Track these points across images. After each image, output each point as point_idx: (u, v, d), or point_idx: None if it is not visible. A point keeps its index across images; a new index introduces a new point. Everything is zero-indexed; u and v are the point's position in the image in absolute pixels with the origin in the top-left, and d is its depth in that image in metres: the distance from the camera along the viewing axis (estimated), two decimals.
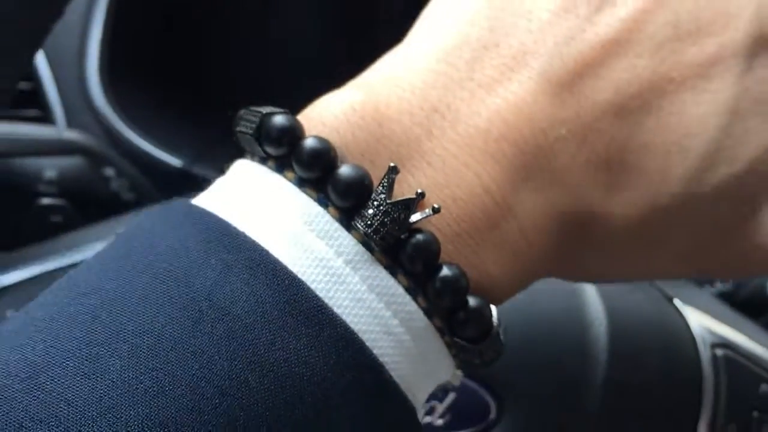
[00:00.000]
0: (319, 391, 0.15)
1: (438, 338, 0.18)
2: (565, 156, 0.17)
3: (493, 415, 0.27)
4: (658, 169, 0.18)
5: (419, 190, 0.17)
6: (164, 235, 0.17)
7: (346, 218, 0.17)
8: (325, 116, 0.18)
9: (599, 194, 0.18)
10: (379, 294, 0.17)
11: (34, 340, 0.15)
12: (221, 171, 0.55)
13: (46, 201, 0.39)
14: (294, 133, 0.17)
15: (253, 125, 0.17)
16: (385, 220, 0.16)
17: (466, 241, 0.17)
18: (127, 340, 0.15)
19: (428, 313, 0.17)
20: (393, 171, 0.17)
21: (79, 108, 0.49)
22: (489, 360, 0.18)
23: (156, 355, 0.14)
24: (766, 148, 0.18)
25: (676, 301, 0.31)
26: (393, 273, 0.17)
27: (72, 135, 0.41)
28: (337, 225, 0.17)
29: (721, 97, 0.17)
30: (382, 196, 0.17)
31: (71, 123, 0.50)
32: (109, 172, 0.42)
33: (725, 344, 0.30)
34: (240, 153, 0.19)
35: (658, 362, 0.29)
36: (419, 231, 0.17)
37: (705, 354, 0.29)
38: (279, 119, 0.17)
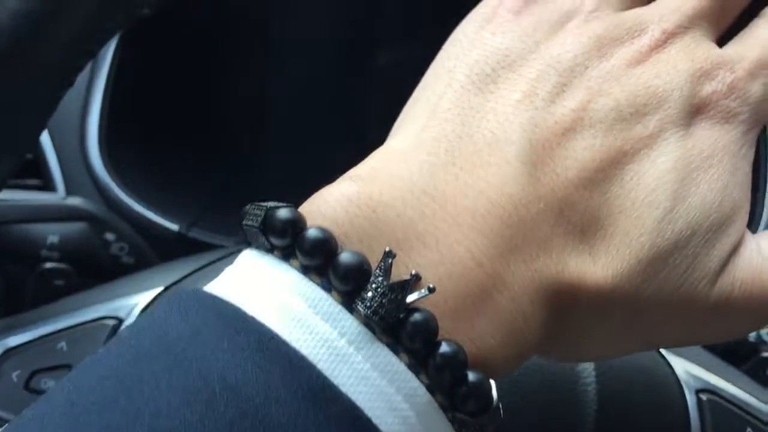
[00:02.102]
0: None
1: (440, 414, 0.18)
2: (545, 227, 0.19)
3: None
4: (632, 225, 0.19)
5: (413, 272, 0.18)
6: (178, 321, 0.18)
7: (348, 301, 0.18)
8: (324, 209, 0.19)
9: (583, 261, 0.19)
10: (383, 371, 0.17)
11: (56, 425, 0.16)
12: (216, 233, 0.55)
13: (49, 265, 0.40)
14: (297, 225, 0.18)
15: (259, 218, 0.19)
16: (384, 301, 0.17)
17: (462, 316, 0.18)
18: (145, 423, 0.15)
19: (430, 389, 0.18)
20: (389, 255, 0.18)
21: (79, 176, 0.50)
22: None
23: None
24: (717, 189, 0.20)
25: (663, 351, 0.32)
26: (395, 351, 0.18)
27: (74, 201, 0.43)
28: (339, 308, 0.18)
29: (671, 157, 0.20)
30: (380, 279, 0.18)
31: (71, 191, 0.51)
32: (110, 236, 0.43)
33: (710, 390, 0.31)
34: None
35: (646, 408, 0.29)
36: (417, 310, 0.18)
37: (691, 399, 0.30)
38: (283, 212, 0.19)
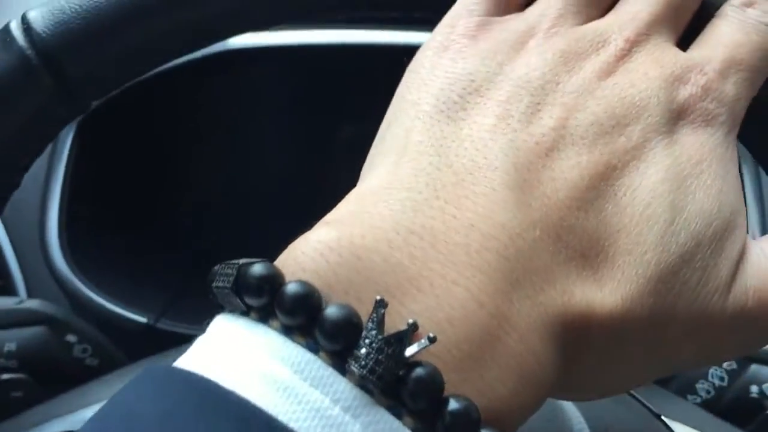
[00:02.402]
0: None
1: None
2: (545, 255, 0.18)
3: None
4: (634, 243, 0.18)
5: (410, 320, 0.16)
6: (147, 402, 0.16)
7: (339, 362, 0.16)
8: (303, 260, 0.17)
9: (589, 289, 0.18)
10: None
11: None
12: (187, 323, 0.53)
13: (5, 376, 0.38)
14: (274, 281, 0.17)
15: (231, 278, 0.17)
16: (380, 357, 0.16)
17: (469, 366, 0.16)
18: None
19: None
20: (380, 304, 0.16)
21: (40, 274, 0.48)
22: None
23: None
24: (712, 195, 0.19)
25: (664, 418, 0.30)
26: (397, 414, 0.16)
27: (32, 304, 0.40)
28: (330, 370, 0.16)
29: (661, 167, 0.19)
30: (373, 332, 0.16)
31: (32, 290, 0.49)
32: (72, 338, 0.41)
33: None
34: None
35: None
36: (419, 364, 0.16)
37: None
38: (257, 268, 0.17)
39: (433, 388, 0.16)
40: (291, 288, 0.16)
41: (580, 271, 0.18)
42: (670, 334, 0.19)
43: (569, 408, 0.28)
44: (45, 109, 0.28)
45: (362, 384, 0.16)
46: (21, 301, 0.40)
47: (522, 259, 0.18)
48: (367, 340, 0.16)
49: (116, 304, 0.48)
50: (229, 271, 0.17)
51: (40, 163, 0.50)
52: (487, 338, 0.17)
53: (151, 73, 0.49)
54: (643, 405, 0.31)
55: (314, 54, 0.46)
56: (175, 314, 0.50)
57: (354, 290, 0.17)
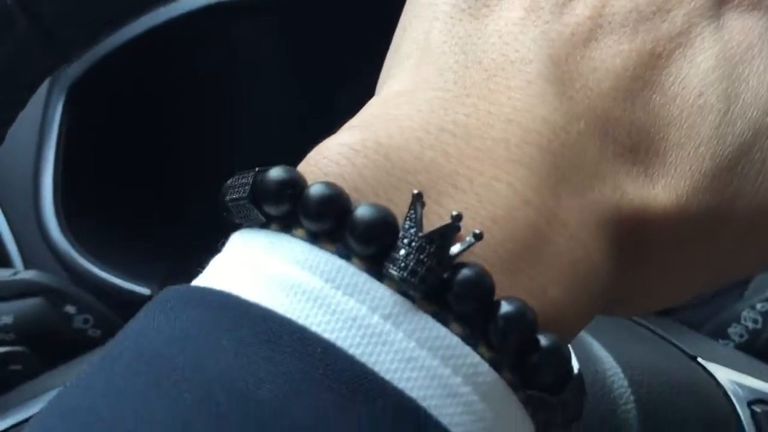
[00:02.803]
0: None
1: (511, 394, 0.15)
2: (592, 150, 0.17)
3: None
4: (686, 136, 0.17)
5: (455, 212, 0.14)
6: (162, 325, 0.14)
7: (375, 267, 0.14)
8: (325, 165, 0.16)
9: (641, 185, 0.17)
10: (432, 349, 0.14)
11: None
12: None
13: (2, 349, 0.36)
14: (296, 185, 0.15)
15: (247, 187, 0.16)
16: (421, 257, 0.14)
17: (518, 267, 0.15)
18: None
19: (493, 363, 0.14)
20: (418, 198, 0.14)
21: (35, 246, 0.46)
22: (572, 416, 0.15)
23: None
24: (766, 81, 0.18)
25: (700, 360, 0.28)
26: (443, 321, 0.14)
27: (28, 275, 0.39)
28: (365, 276, 0.14)
29: (710, 53, 0.18)
30: (413, 230, 0.14)
31: (28, 262, 0.47)
32: (71, 309, 0.39)
33: (763, 399, 0.27)
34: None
35: (696, 430, 0.26)
36: (464, 265, 0.14)
37: (744, 414, 0.26)
38: (276, 172, 0.15)
39: (481, 290, 0.14)
40: (316, 189, 0.15)
41: (630, 167, 0.17)
42: (729, 234, 0.18)
43: (600, 351, 0.27)
44: (22, 52, 0.26)
45: (402, 289, 0.14)
46: (16, 273, 0.39)
47: (567, 153, 0.16)
48: (405, 240, 0.14)
49: (117, 276, 0.46)
50: (244, 180, 0.16)
51: (31, 133, 0.48)
52: (535, 237, 0.15)
53: (140, 32, 0.47)
54: (678, 348, 0.29)
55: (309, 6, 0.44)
56: (177, 285, 0.48)
57: (384, 192, 0.15)
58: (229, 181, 0.17)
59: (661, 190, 0.17)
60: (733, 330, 0.38)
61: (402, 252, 0.14)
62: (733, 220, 0.18)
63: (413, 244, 0.14)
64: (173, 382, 0.13)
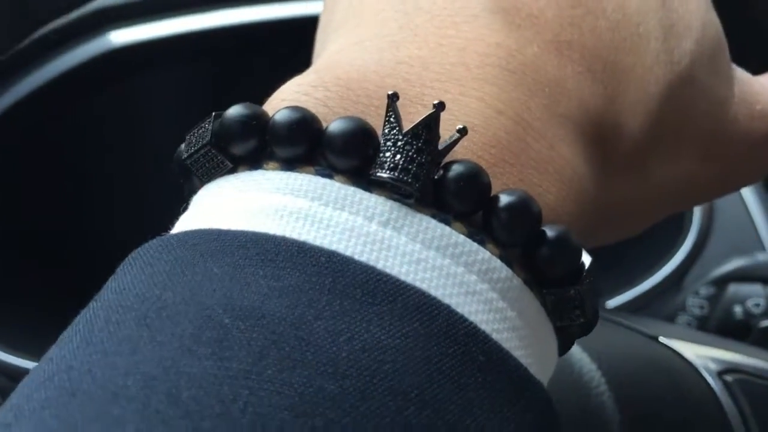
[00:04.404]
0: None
1: (529, 293, 0.14)
2: (552, 69, 0.16)
3: None
4: (633, 63, 0.17)
5: (436, 101, 0.14)
6: (137, 274, 0.13)
7: (360, 180, 0.14)
8: (285, 106, 0.15)
9: (602, 104, 0.17)
10: (440, 248, 0.13)
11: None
12: None
13: None
14: (260, 116, 0.14)
15: (207, 132, 0.15)
16: (410, 154, 0.13)
17: (506, 170, 0.14)
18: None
19: (505, 260, 0.14)
20: (394, 98, 0.14)
21: None
22: (590, 315, 0.14)
23: None
24: (693, 11, 0.18)
25: (662, 339, 0.27)
26: (444, 221, 0.14)
27: None
28: (353, 189, 0.14)
29: None
30: (395, 131, 0.14)
31: None
32: None
33: (732, 369, 0.26)
34: None
35: (673, 406, 0.25)
36: (454, 162, 0.14)
37: (717, 385, 0.25)
38: (235, 110, 0.14)
39: (478, 183, 0.14)
40: (282, 114, 0.14)
41: (591, 86, 0.17)
42: (688, 156, 0.18)
43: (577, 355, 0.26)
44: None
45: (395, 195, 0.14)
46: None
47: (528, 71, 0.16)
48: (389, 143, 0.13)
49: (32, 360, 0.42)
50: (202, 130, 0.15)
51: None
52: (516, 143, 0.15)
53: (38, 91, 0.44)
54: (636, 330, 0.28)
55: (216, 39, 0.42)
56: None
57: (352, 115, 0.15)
58: (182, 145, 0.16)
59: (622, 113, 0.17)
60: (682, 319, 0.37)
61: (388, 154, 0.13)
62: (687, 141, 0.18)
63: (399, 143, 0.13)
64: (164, 318, 0.12)
